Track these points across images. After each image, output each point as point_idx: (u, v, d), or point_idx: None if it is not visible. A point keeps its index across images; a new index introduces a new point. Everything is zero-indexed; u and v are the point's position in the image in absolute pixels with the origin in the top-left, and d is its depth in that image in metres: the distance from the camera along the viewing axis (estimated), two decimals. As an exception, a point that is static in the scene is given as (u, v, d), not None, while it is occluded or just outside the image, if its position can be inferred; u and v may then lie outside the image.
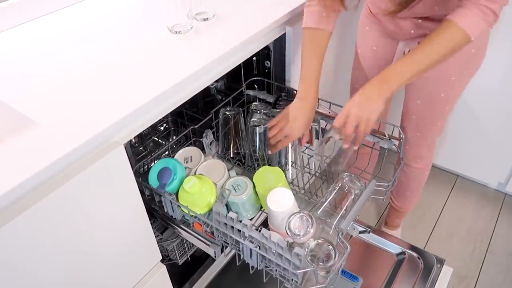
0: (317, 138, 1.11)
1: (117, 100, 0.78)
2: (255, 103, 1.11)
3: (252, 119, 1.04)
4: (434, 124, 1.20)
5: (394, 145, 0.97)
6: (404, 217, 1.61)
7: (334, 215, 0.96)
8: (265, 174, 0.95)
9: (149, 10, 1.07)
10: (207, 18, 1.02)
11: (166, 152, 1.15)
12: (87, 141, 0.69)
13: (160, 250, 0.97)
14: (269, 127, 1.02)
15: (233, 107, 1.09)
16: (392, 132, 1.03)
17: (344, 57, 1.43)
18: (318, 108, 1.07)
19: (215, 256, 0.94)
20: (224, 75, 0.96)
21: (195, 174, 0.98)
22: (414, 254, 1.23)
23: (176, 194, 0.90)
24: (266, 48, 1.13)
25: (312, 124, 1.06)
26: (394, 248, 1.26)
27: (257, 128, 1.02)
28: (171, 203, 0.89)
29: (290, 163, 1.09)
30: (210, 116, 1.10)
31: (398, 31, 1.08)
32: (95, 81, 0.84)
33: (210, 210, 0.88)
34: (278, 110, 1.08)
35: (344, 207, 0.90)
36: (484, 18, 0.84)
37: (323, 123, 1.07)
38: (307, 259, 0.79)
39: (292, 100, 1.09)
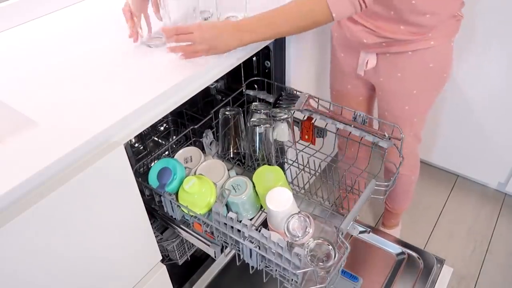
0: (319, 136, 1.11)
1: (117, 100, 0.78)
2: (255, 103, 1.11)
3: (252, 119, 1.04)
4: (407, 134, 1.21)
5: (394, 144, 0.97)
6: (400, 217, 1.61)
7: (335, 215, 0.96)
8: (265, 173, 0.95)
9: (150, 9, 1.07)
10: (207, 18, 1.02)
11: (166, 152, 1.15)
12: (87, 141, 0.69)
13: (160, 250, 0.97)
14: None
15: (233, 107, 1.09)
16: (392, 132, 1.03)
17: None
18: (318, 107, 1.07)
19: (215, 256, 0.94)
20: (224, 75, 0.96)
21: (195, 174, 0.98)
22: (414, 254, 1.23)
23: (176, 194, 0.90)
24: (266, 48, 1.13)
25: (312, 121, 1.06)
26: (394, 248, 1.26)
27: (257, 128, 1.02)
28: (171, 203, 0.89)
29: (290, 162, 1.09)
30: (210, 116, 1.10)
31: (354, 39, 1.09)
32: (95, 81, 0.84)
33: (210, 210, 0.88)
34: (278, 110, 1.08)
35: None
36: (355, 4, 0.84)
37: (323, 123, 1.07)
38: (307, 259, 0.79)
39: (293, 100, 1.09)
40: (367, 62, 1.12)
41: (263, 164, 1.04)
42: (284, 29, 0.88)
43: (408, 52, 1.05)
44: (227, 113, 1.06)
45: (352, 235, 1.27)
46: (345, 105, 1.28)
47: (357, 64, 1.16)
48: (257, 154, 1.05)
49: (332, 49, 1.24)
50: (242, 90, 1.18)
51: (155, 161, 0.95)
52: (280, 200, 0.86)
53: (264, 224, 0.93)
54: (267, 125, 1.02)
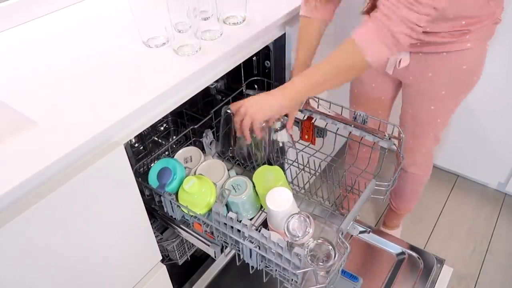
0: (319, 136, 1.11)
1: (117, 100, 0.78)
2: None
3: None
4: (426, 135, 1.20)
5: (394, 144, 0.97)
6: (402, 218, 1.61)
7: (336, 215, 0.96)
8: (265, 173, 0.95)
9: (152, 10, 1.07)
10: (208, 18, 1.02)
11: (166, 152, 1.15)
12: (87, 141, 0.69)
13: (160, 250, 0.97)
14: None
15: None
16: (392, 132, 1.03)
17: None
18: (318, 108, 1.06)
19: (215, 256, 0.94)
20: (224, 75, 0.96)
21: (195, 174, 0.98)
22: (414, 254, 1.23)
23: (176, 194, 0.90)
24: (266, 48, 1.13)
25: (312, 121, 1.06)
26: (394, 248, 1.26)
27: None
28: (170, 203, 0.89)
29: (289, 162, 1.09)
30: (210, 116, 1.10)
31: None
32: (96, 81, 0.84)
33: (210, 210, 0.88)
34: None
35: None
36: (380, 36, 0.79)
37: (323, 123, 1.07)
38: (306, 259, 0.79)
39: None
40: (399, 61, 1.09)
41: (262, 164, 1.04)
42: (325, 88, 0.90)
43: (443, 53, 1.02)
44: (228, 111, 1.06)
45: (352, 235, 1.27)
46: (364, 105, 1.27)
47: (387, 61, 1.14)
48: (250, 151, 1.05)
49: None
50: (242, 90, 1.18)
51: (155, 161, 0.95)
52: (280, 200, 0.86)
53: (264, 224, 0.93)
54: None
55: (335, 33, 1.34)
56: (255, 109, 0.90)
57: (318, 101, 1.07)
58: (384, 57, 0.82)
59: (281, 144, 1.12)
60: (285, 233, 0.83)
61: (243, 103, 0.91)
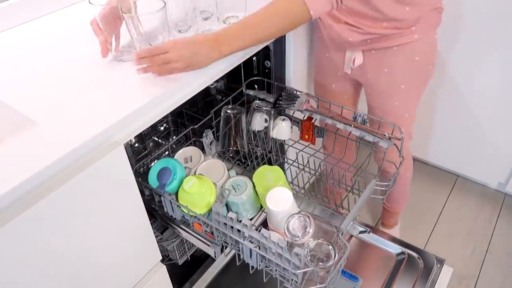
0: (319, 136, 1.11)
1: (117, 100, 0.78)
2: (257, 101, 1.11)
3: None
4: (397, 131, 1.21)
5: (394, 144, 0.97)
6: (399, 215, 1.61)
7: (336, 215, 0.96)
8: (265, 173, 0.95)
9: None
10: (208, 18, 1.02)
11: (166, 152, 1.15)
12: (87, 141, 0.69)
13: (160, 250, 0.97)
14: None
15: (235, 105, 1.08)
16: (392, 132, 1.03)
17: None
18: (318, 107, 1.07)
19: (215, 256, 0.94)
20: (224, 75, 0.96)
21: (195, 174, 0.98)
22: (414, 254, 1.23)
23: (176, 194, 0.90)
24: (266, 48, 1.13)
25: (312, 121, 1.06)
26: (394, 248, 1.26)
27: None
28: (170, 203, 0.89)
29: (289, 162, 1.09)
30: (210, 116, 1.10)
31: (337, 38, 1.09)
32: (96, 81, 0.84)
33: (210, 210, 0.88)
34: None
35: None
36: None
37: (323, 122, 1.07)
38: (307, 259, 0.79)
39: (293, 100, 1.09)
40: (354, 60, 1.12)
41: (263, 163, 1.04)
42: (263, 34, 0.86)
43: (393, 47, 1.05)
44: (228, 111, 1.06)
45: (352, 235, 1.27)
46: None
47: (343, 62, 1.16)
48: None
49: (317, 49, 1.24)
50: (242, 90, 1.18)
51: (155, 161, 0.95)
52: (280, 200, 0.86)
53: (264, 224, 0.93)
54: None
55: None
56: (189, 60, 0.81)
57: (318, 101, 1.07)
58: (324, 12, 0.84)
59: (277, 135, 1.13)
60: (285, 233, 0.83)
61: (174, 47, 0.80)
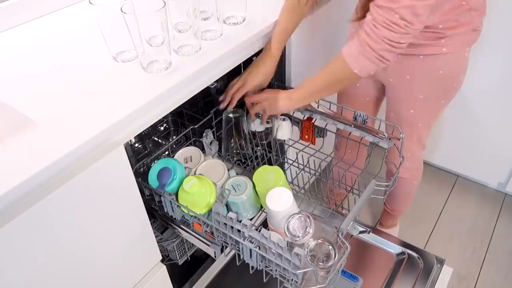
0: (319, 136, 1.11)
1: (117, 100, 0.78)
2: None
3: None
4: (409, 139, 1.21)
5: (394, 144, 0.97)
6: (398, 218, 1.61)
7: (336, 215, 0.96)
8: (265, 173, 0.95)
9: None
10: (208, 18, 1.02)
11: (166, 152, 1.15)
12: (87, 141, 0.69)
13: (160, 250, 0.97)
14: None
15: (236, 109, 1.09)
16: (392, 132, 1.03)
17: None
18: (318, 107, 1.07)
19: (215, 256, 0.94)
20: (224, 75, 0.96)
21: (195, 174, 0.98)
22: (414, 254, 1.23)
23: (176, 194, 0.90)
24: (266, 48, 1.13)
25: (312, 121, 1.06)
26: (394, 248, 1.26)
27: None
28: (170, 203, 0.89)
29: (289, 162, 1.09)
30: (210, 116, 1.10)
31: None
32: (96, 81, 0.84)
33: (210, 210, 0.88)
34: None
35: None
36: (364, 53, 0.85)
37: (323, 122, 1.07)
38: (307, 259, 0.79)
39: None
40: None
41: (263, 163, 1.04)
42: (324, 94, 1.00)
43: (419, 55, 1.03)
44: (230, 115, 1.07)
45: (352, 235, 1.27)
46: (349, 104, 1.28)
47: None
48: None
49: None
50: (242, 90, 1.18)
51: (155, 161, 0.95)
52: (280, 200, 0.86)
53: (264, 224, 0.93)
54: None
55: (327, 37, 1.34)
56: (270, 103, 1.03)
57: (318, 101, 1.07)
58: (371, 70, 0.87)
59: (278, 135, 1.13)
60: (285, 233, 0.83)
61: (264, 96, 1.04)
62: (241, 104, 1.16)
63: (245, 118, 1.10)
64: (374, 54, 0.84)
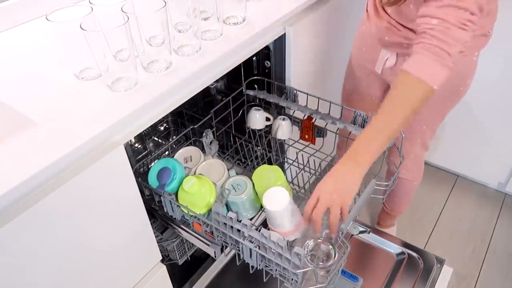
0: (319, 136, 1.11)
1: (117, 100, 0.78)
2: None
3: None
4: (412, 141, 1.20)
5: (394, 144, 0.97)
6: (396, 218, 1.62)
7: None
8: (265, 173, 0.95)
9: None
10: (208, 18, 1.02)
11: (166, 152, 1.15)
12: (87, 141, 0.69)
13: (160, 250, 0.97)
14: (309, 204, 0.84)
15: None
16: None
17: (341, 55, 1.43)
18: (318, 108, 1.07)
19: (215, 256, 0.94)
20: (224, 75, 0.96)
21: (194, 173, 0.98)
22: (414, 254, 1.23)
23: (176, 194, 0.90)
24: (266, 48, 1.13)
25: (312, 121, 1.06)
26: (394, 248, 1.26)
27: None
28: (170, 203, 0.89)
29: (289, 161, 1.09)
30: (210, 116, 1.10)
31: (377, 35, 1.08)
32: (96, 81, 0.84)
33: (210, 210, 0.88)
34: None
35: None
36: (441, 62, 0.75)
37: (323, 122, 1.07)
38: (306, 259, 0.79)
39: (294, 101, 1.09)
40: (386, 61, 1.09)
41: (263, 163, 1.04)
42: (398, 130, 0.81)
43: None
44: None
45: (352, 235, 1.27)
46: (355, 103, 1.28)
47: (376, 60, 1.14)
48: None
49: (355, 43, 1.23)
50: (242, 90, 1.18)
51: (155, 161, 0.95)
52: (277, 199, 0.85)
53: (264, 224, 0.93)
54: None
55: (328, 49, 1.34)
56: (339, 194, 0.78)
57: (318, 101, 1.07)
58: (447, 77, 0.78)
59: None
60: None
61: (323, 194, 0.78)
62: (240, 102, 1.16)
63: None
64: (451, 59, 0.75)
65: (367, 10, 1.12)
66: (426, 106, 1.09)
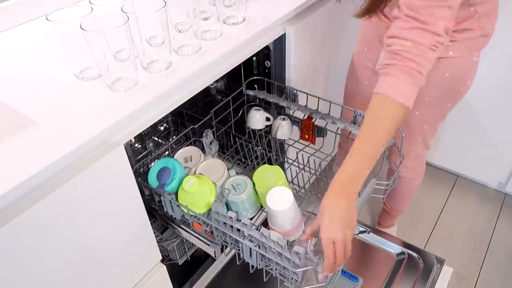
0: (319, 135, 1.11)
1: (117, 100, 0.78)
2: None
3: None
4: (414, 140, 1.20)
5: (394, 144, 0.97)
6: (396, 218, 1.61)
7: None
8: (265, 173, 0.95)
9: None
10: (208, 18, 1.02)
11: (166, 152, 1.15)
12: (87, 141, 0.69)
13: (160, 250, 0.97)
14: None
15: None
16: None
17: (341, 54, 1.43)
18: (318, 108, 1.07)
19: (215, 256, 0.94)
20: (224, 75, 0.96)
21: (194, 173, 0.98)
22: (414, 254, 1.23)
23: (176, 194, 0.90)
24: (266, 48, 1.13)
25: (312, 121, 1.06)
26: (394, 248, 1.26)
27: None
28: (170, 202, 0.89)
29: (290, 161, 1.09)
30: (210, 116, 1.10)
31: (378, 35, 1.08)
32: (96, 81, 0.84)
33: (210, 210, 0.88)
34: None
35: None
36: (415, 83, 0.77)
37: (323, 122, 1.07)
38: (310, 254, 0.78)
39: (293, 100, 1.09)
40: None
41: (263, 163, 1.04)
42: (379, 152, 0.80)
43: None
44: None
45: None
46: (356, 102, 1.27)
47: (377, 60, 1.14)
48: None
49: (358, 42, 1.22)
50: (242, 90, 1.18)
51: (155, 161, 0.95)
52: (280, 199, 0.86)
53: (264, 223, 0.93)
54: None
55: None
56: (340, 232, 0.77)
57: (318, 100, 1.07)
58: (415, 93, 0.79)
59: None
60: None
61: (337, 237, 0.77)
62: (240, 102, 1.16)
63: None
64: (423, 79, 0.77)
65: (362, 16, 1.12)
66: (427, 106, 1.10)
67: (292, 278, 0.80)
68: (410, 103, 0.77)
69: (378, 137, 0.78)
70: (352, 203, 0.78)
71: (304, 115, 1.10)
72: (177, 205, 0.88)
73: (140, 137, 1.29)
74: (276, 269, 0.81)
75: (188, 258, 1.14)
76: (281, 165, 1.19)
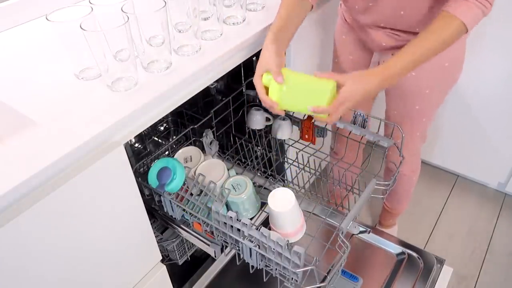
0: (319, 135, 1.11)
1: (117, 100, 0.78)
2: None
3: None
4: (412, 134, 1.21)
5: (395, 144, 0.97)
6: (397, 217, 1.61)
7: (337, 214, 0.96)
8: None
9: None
10: (208, 18, 1.02)
11: (166, 152, 1.15)
12: (87, 141, 0.69)
13: (160, 250, 0.97)
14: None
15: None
16: (393, 131, 1.04)
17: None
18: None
19: (215, 256, 0.94)
20: (224, 75, 0.96)
21: (194, 173, 0.98)
22: (414, 254, 1.23)
23: (176, 194, 0.90)
24: (266, 48, 1.13)
25: (312, 121, 1.06)
26: (394, 248, 1.26)
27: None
28: (170, 202, 0.89)
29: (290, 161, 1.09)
30: (210, 116, 1.10)
31: (370, 42, 1.08)
32: (96, 81, 0.84)
33: (210, 210, 0.88)
34: None
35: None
36: (482, 9, 0.84)
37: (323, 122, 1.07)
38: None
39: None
40: (379, 63, 1.11)
41: (263, 163, 1.04)
42: (424, 61, 0.90)
43: None
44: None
45: (352, 235, 1.27)
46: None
47: (369, 64, 1.14)
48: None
49: (337, 51, 1.23)
50: (242, 90, 1.18)
51: (155, 161, 0.95)
52: (283, 201, 0.85)
53: (264, 223, 0.93)
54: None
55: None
56: (356, 100, 0.87)
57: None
58: (478, 22, 0.87)
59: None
60: None
61: (344, 102, 0.87)
62: (239, 102, 1.16)
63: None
64: (491, 8, 0.85)
65: (345, 20, 1.13)
66: (428, 99, 1.10)
67: (292, 278, 0.80)
68: (470, 24, 0.85)
69: (426, 43, 0.87)
70: (382, 86, 0.88)
71: (304, 115, 1.10)
72: (177, 205, 0.88)
73: (140, 137, 1.29)
74: (276, 269, 0.81)
75: (188, 258, 1.14)
76: (281, 165, 1.19)
